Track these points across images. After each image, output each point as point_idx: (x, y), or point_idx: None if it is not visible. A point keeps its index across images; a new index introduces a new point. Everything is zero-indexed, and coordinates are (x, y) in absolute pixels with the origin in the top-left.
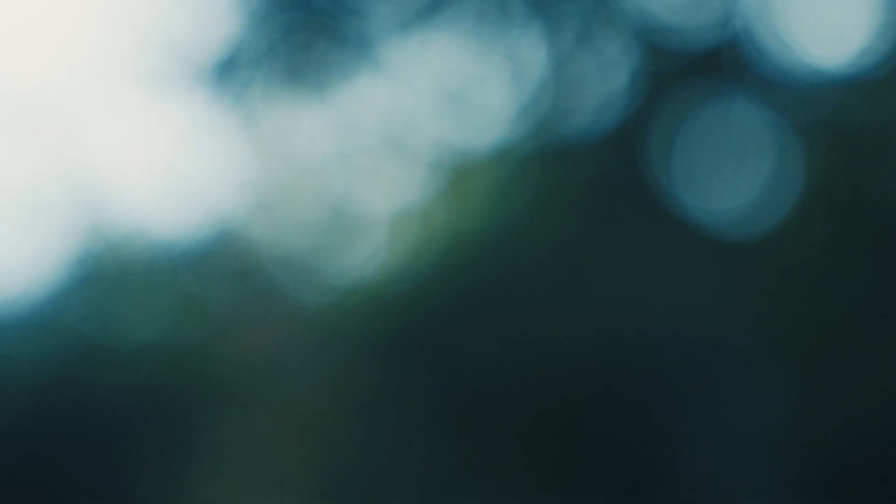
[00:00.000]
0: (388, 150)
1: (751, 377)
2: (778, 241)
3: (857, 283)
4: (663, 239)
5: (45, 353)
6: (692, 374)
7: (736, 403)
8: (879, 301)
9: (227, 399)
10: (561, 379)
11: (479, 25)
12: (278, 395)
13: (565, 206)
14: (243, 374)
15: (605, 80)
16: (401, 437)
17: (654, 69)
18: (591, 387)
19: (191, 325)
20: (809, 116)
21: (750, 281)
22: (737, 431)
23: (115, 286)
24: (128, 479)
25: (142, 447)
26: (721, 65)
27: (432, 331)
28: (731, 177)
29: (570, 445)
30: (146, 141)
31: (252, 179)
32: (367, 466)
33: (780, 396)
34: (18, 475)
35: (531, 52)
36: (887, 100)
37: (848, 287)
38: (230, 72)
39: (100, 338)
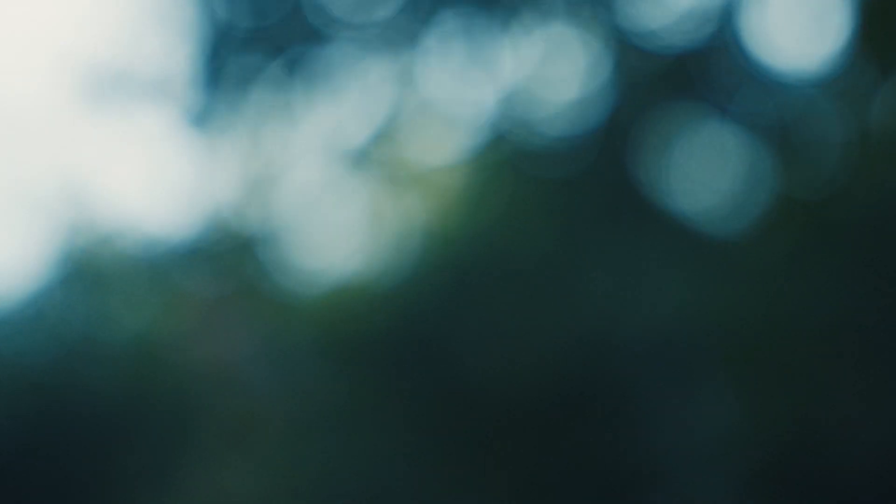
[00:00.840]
0: (369, 153)
1: (722, 381)
2: (749, 243)
3: (826, 287)
4: (640, 240)
5: (32, 349)
6: (664, 375)
7: (706, 406)
8: (848, 305)
9: (209, 396)
10: (538, 381)
11: (459, 30)
12: (258, 393)
13: (544, 208)
14: (225, 371)
15: (583, 83)
16: (376, 439)
17: (631, 72)
18: (568, 388)
19: (174, 322)
20: (782, 120)
21: (722, 283)
22: (710, 434)
23: (99, 284)
24: (112, 475)
25: (126, 442)
26: (697, 68)
27: (412, 334)
28: (704, 180)
29: (544, 446)
30: (131, 143)
31: (235, 181)
32: (344, 467)
33: (749, 400)
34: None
35: (510, 55)
36: (858, 104)
37: (817, 291)
38: (214, 76)
39: (85, 334)
